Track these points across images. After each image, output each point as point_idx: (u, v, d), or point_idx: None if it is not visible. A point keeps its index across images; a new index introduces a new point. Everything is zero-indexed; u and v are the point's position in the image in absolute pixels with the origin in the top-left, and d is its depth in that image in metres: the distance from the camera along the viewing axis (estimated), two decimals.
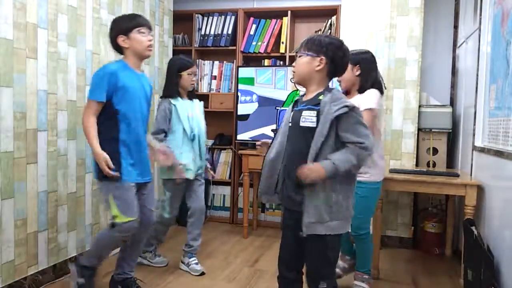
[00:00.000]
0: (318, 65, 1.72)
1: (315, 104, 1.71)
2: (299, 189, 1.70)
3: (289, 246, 1.82)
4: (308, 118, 1.71)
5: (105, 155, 2.10)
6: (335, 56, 1.73)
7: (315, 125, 1.68)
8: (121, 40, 2.20)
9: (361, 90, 2.44)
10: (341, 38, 1.81)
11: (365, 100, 2.35)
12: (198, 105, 2.95)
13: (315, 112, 1.69)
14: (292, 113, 1.80)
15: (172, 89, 2.82)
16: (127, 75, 2.19)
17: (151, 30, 2.28)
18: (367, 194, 2.44)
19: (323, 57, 1.71)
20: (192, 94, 2.95)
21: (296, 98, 1.85)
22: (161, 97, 2.89)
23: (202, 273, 2.84)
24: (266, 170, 1.81)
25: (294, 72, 1.80)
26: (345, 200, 1.70)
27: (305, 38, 1.78)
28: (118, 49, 2.26)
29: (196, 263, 2.88)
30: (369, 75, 2.43)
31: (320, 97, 1.71)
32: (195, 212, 2.90)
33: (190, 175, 2.80)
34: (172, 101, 2.79)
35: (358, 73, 2.43)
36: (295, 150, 1.75)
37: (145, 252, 2.96)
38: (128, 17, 2.27)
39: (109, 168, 2.11)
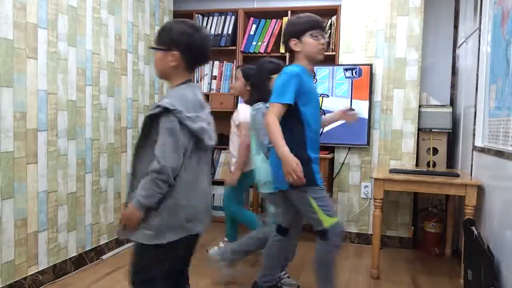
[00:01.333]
0: (172, 61, 1.55)
1: None
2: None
3: None
4: None
5: (296, 160, 1.95)
6: (191, 46, 1.54)
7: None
8: (293, 43, 2.12)
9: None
10: (194, 23, 1.62)
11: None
12: None
13: None
14: None
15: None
16: (306, 77, 2.12)
17: (325, 31, 2.18)
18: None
19: (175, 52, 1.53)
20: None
21: None
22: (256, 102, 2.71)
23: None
24: None
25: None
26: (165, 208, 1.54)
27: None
28: (291, 52, 2.17)
29: (288, 277, 2.70)
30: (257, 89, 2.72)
31: None
32: None
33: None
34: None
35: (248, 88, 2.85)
36: None
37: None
38: (300, 20, 2.14)
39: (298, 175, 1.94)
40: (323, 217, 2.05)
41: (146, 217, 1.53)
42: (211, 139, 1.66)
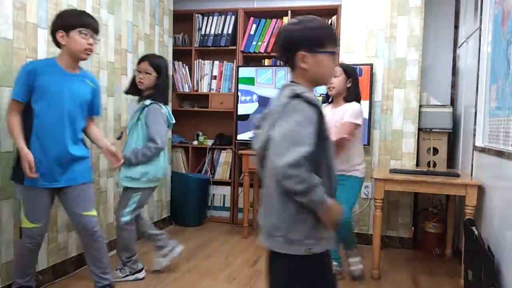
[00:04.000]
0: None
1: None
2: None
3: None
4: None
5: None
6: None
7: None
8: (59, 36, 2.13)
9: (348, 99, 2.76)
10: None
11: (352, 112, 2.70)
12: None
13: None
14: None
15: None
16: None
17: (97, 34, 2.22)
18: None
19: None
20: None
21: None
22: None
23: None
24: None
25: None
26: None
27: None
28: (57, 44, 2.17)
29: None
30: (356, 87, 2.79)
31: None
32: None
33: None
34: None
35: (349, 85, 2.75)
36: None
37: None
38: (74, 14, 2.19)
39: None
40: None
41: None
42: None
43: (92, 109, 2.34)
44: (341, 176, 2.61)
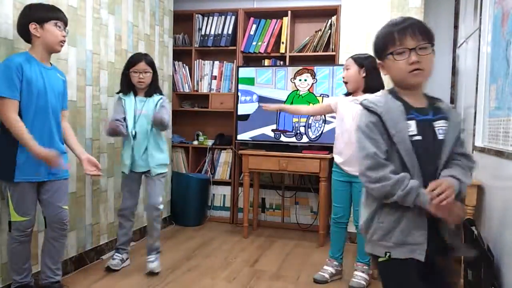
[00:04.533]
0: None
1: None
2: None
3: None
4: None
5: None
6: None
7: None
8: (33, 28, 2.11)
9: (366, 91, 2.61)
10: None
11: None
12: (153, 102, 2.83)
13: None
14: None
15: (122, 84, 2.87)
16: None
17: (66, 27, 2.25)
18: None
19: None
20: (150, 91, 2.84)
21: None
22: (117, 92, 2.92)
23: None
24: None
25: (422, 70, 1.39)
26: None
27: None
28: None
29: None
30: (374, 76, 2.58)
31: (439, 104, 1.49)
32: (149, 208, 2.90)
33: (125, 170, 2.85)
34: (121, 96, 2.84)
35: (364, 75, 2.61)
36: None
37: None
38: (46, 8, 2.20)
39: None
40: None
41: None
42: None
43: (63, 102, 2.35)
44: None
